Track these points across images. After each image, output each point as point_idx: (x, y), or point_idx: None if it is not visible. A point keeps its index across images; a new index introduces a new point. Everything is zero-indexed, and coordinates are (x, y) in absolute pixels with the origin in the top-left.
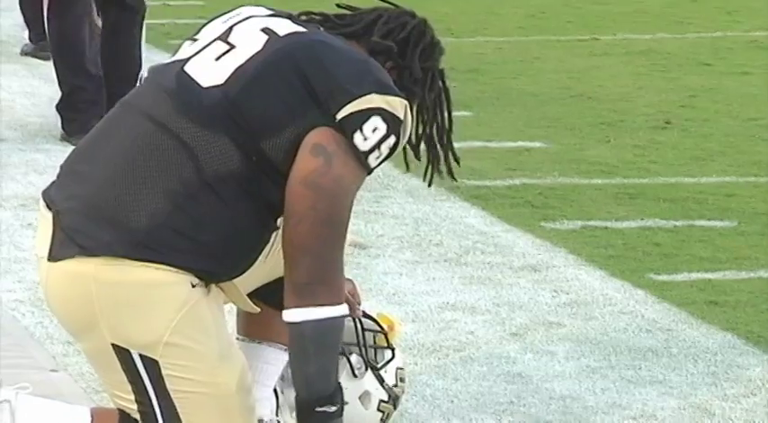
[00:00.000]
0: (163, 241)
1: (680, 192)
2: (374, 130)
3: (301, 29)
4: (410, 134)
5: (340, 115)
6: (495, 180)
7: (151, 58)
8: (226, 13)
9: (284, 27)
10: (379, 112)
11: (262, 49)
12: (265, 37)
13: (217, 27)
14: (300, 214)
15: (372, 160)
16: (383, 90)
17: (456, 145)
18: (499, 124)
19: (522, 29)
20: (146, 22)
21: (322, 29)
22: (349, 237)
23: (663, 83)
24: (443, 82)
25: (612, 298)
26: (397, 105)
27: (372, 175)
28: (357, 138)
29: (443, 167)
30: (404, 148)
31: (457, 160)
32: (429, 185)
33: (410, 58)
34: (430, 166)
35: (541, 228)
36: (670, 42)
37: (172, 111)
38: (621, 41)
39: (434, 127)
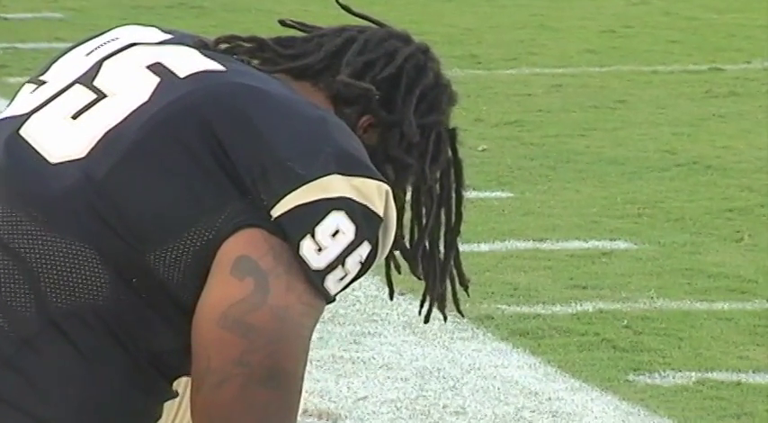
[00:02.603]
0: None
1: None
2: (335, 234)
3: (217, 65)
4: (396, 235)
5: (279, 210)
6: (554, 305)
7: None
8: (95, 37)
9: (188, 62)
10: (344, 204)
11: (149, 101)
12: (156, 79)
13: (77, 62)
14: (222, 372)
15: (332, 283)
16: (349, 168)
17: (486, 247)
18: (558, 212)
19: (594, 53)
20: None
21: (253, 64)
22: (307, 402)
23: None
24: (454, 148)
25: None
26: (373, 192)
27: (349, 297)
28: (306, 247)
29: (443, 291)
30: (387, 259)
31: (464, 282)
32: (426, 321)
33: (401, 111)
34: (429, 291)
35: (630, 384)
36: None
37: None
38: (760, 74)
39: (438, 222)
